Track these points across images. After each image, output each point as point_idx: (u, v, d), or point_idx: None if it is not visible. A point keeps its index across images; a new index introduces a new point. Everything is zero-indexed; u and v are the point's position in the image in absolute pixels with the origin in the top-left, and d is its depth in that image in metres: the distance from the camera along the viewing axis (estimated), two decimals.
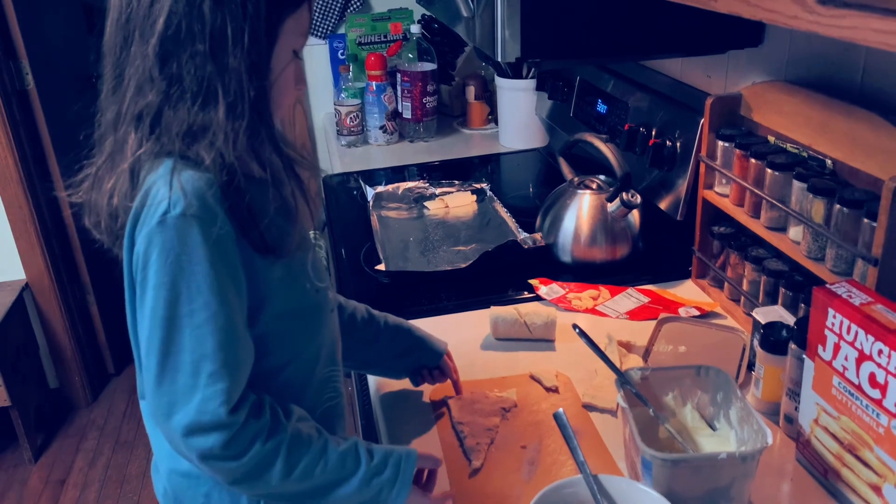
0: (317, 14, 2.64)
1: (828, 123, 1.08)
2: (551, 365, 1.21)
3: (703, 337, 1.25)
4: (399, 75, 2.35)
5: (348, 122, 2.36)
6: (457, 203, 1.84)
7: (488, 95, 2.48)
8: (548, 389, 1.15)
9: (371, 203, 1.82)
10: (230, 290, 0.77)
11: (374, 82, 2.32)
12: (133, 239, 0.78)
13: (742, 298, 1.28)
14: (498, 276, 1.48)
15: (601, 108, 1.80)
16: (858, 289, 0.87)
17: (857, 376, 0.84)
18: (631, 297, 1.39)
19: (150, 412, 0.82)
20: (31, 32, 2.67)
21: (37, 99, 2.70)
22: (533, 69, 2.19)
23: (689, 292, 1.40)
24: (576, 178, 1.56)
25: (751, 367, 1.14)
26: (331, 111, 2.66)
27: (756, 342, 1.08)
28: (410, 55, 2.37)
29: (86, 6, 3.18)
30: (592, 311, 1.37)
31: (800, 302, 1.12)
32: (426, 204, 1.84)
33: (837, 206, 1.00)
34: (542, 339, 1.28)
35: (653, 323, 1.29)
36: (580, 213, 1.49)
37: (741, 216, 1.23)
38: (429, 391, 1.16)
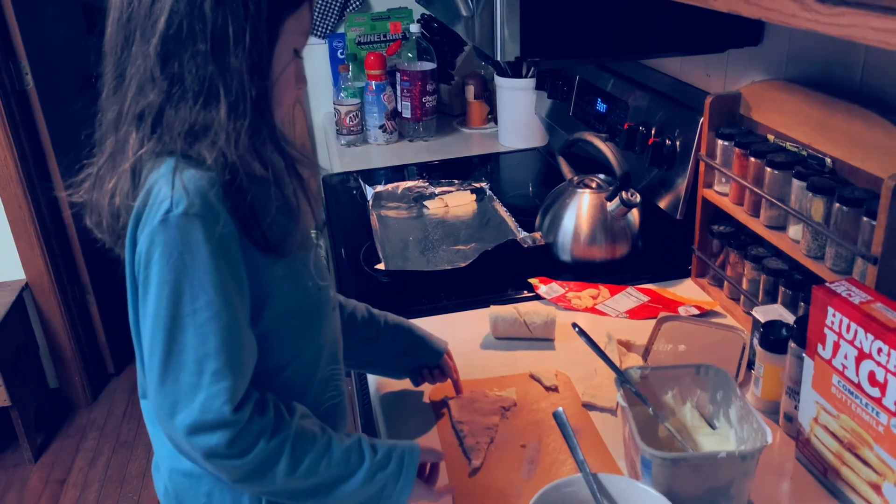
0: (316, 13, 2.64)
1: (827, 122, 1.08)
2: (551, 364, 1.21)
3: (702, 336, 1.25)
4: (398, 75, 2.35)
5: (348, 121, 2.36)
6: (456, 202, 1.84)
7: (488, 95, 2.48)
8: (547, 388, 1.15)
9: (370, 202, 1.82)
10: (233, 288, 0.77)
11: (373, 82, 2.32)
12: (135, 238, 0.78)
13: (742, 297, 1.28)
14: (497, 275, 1.48)
15: (601, 107, 1.80)
16: (858, 287, 0.87)
17: (857, 375, 0.84)
18: (630, 296, 1.40)
19: (152, 411, 0.82)
20: (31, 32, 2.67)
21: (36, 99, 2.70)
22: (532, 68, 2.19)
23: (688, 291, 1.40)
24: (575, 178, 1.56)
25: (750, 365, 1.14)
26: (330, 111, 2.66)
27: (756, 341, 1.08)
28: (410, 54, 2.37)
29: (85, 6, 3.17)
30: (592, 310, 1.37)
31: (799, 300, 1.12)
32: (426, 203, 1.84)
33: (837, 204, 1.00)
34: (541, 339, 1.28)
35: (652, 322, 1.29)
36: (580, 212, 1.49)
37: (741, 215, 1.23)
38: (429, 391, 1.16)
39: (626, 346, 1.23)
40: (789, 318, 1.07)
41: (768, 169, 1.13)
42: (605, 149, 1.47)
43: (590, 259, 1.49)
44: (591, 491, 0.86)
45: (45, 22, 2.83)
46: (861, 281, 0.95)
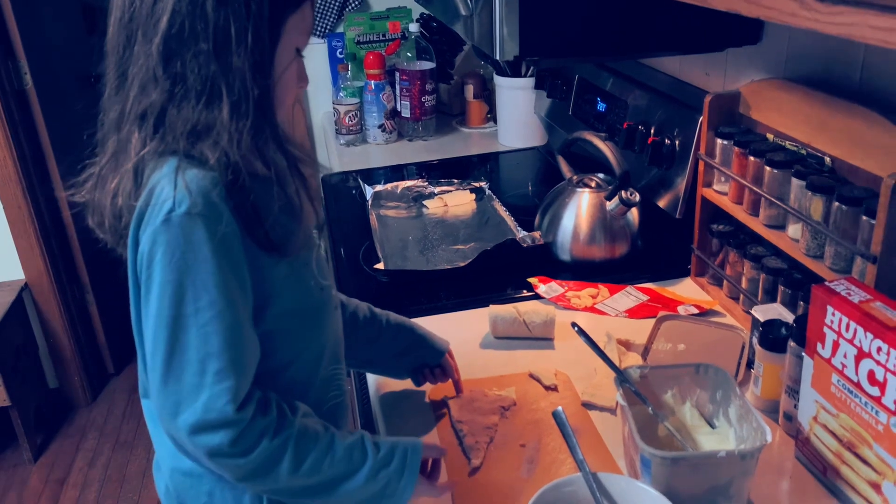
0: (315, 13, 2.64)
1: (827, 121, 1.08)
2: (550, 363, 1.21)
3: (702, 335, 1.25)
4: (398, 74, 2.35)
5: (347, 121, 2.36)
6: (456, 202, 1.84)
7: (487, 94, 2.48)
8: (547, 388, 1.15)
9: (370, 202, 1.82)
10: (235, 288, 0.77)
11: (372, 81, 2.32)
12: (137, 238, 0.78)
13: (741, 296, 1.28)
14: (497, 274, 1.48)
15: (600, 106, 1.80)
16: (857, 286, 0.87)
17: (856, 374, 0.84)
18: (630, 296, 1.40)
19: (154, 411, 0.82)
20: (30, 32, 2.67)
21: (35, 99, 2.70)
22: (532, 67, 2.19)
23: (688, 290, 1.41)
24: (575, 177, 1.56)
25: (750, 364, 1.14)
26: (329, 110, 2.66)
27: (755, 340, 1.08)
28: (409, 54, 2.37)
29: (85, 6, 3.17)
30: (591, 309, 1.37)
31: (799, 299, 1.12)
32: (425, 203, 1.84)
33: (836, 203, 1.00)
34: (541, 338, 1.28)
35: (652, 321, 1.30)
36: (579, 211, 1.49)
37: (740, 214, 1.23)
38: (429, 391, 1.16)
39: (626, 345, 1.23)
40: (789, 317, 1.07)
41: (768, 168, 1.13)
42: (605, 148, 1.47)
43: (589, 258, 1.49)
44: (590, 490, 0.86)
45: (44, 22, 2.82)
46: (860, 280, 0.95)
